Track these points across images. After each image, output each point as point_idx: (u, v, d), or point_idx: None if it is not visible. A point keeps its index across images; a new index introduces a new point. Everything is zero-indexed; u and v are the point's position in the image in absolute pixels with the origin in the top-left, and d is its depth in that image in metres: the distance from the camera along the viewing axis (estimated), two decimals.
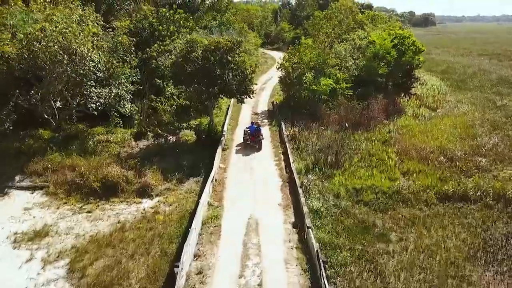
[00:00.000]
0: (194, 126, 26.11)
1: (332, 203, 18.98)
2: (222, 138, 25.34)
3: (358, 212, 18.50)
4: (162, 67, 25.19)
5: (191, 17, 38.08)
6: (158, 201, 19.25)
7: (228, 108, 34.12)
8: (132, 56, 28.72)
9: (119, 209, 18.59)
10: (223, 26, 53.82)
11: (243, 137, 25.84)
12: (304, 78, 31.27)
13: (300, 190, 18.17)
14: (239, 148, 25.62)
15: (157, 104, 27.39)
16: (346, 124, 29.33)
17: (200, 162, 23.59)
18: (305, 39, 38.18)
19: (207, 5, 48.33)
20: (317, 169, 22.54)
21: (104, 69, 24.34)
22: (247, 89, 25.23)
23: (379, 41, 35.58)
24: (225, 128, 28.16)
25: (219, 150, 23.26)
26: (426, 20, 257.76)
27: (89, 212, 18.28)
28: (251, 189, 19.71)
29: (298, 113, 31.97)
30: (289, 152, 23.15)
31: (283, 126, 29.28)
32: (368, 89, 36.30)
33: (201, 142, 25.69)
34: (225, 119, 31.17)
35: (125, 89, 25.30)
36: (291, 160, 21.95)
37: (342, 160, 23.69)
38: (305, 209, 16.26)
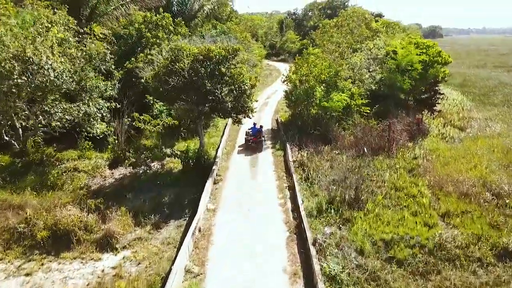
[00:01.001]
0: (180, 152, 21.33)
1: (355, 263, 14.10)
2: (214, 167, 20.67)
3: (390, 278, 13.61)
4: (143, 80, 20.72)
5: (182, 22, 33.84)
6: (123, 258, 14.48)
7: (225, 127, 29.52)
8: (109, 66, 24.42)
9: (69, 269, 13.85)
10: (224, 35, 49.74)
11: (245, 138, 26.12)
12: (314, 92, 26.66)
13: (312, 250, 13.34)
14: (233, 179, 20.85)
15: (139, 124, 22.84)
16: (365, 149, 24.59)
17: (185, 198, 18.94)
18: (313, 49, 33.63)
19: (205, 12, 44.10)
20: (332, 210, 17.74)
21: (71, 80, 19.92)
22: (245, 108, 20.65)
23: (403, 51, 30.89)
24: (219, 153, 23.51)
25: (208, 184, 18.59)
26: (433, 32, 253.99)
27: (28, 274, 13.57)
28: (247, 245, 14.70)
29: (306, 133, 27.31)
30: (296, 190, 18.33)
31: (289, 150, 24.59)
32: (387, 105, 31.61)
33: (188, 170, 21.04)
34: (221, 141, 26.56)
35: (96, 106, 20.82)
36: (299, 201, 17.12)
37: (363, 198, 18.87)
38: (321, 285, 11.38)
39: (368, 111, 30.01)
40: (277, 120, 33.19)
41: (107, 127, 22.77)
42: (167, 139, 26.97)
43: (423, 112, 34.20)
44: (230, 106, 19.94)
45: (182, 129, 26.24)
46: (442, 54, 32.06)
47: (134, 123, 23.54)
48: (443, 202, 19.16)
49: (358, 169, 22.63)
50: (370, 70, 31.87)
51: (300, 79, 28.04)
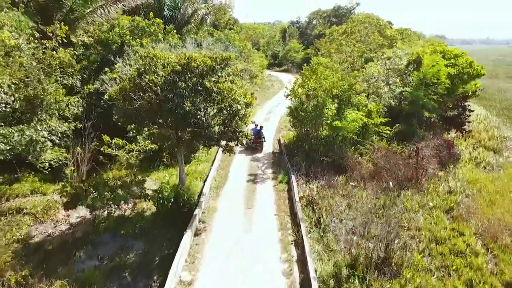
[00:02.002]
0: (153, 192, 16.45)
1: None
2: (196, 211, 15.76)
3: None
4: (106, 97, 16.00)
5: (174, 30, 29.38)
6: None
7: (217, 150, 24.69)
8: (75, 79, 19.88)
9: None
10: (221, 43, 45.29)
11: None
12: (325, 110, 21.90)
13: None
14: (221, 228, 15.85)
15: (108, 150, 18.06)
16: (391, 183, 19.70)
17: (156, 256, 14.06)
18: (322, 58, 28.98)
19: (200, 17, 39.70)
20: (355, 278, 12.80)
21: (12, 99, 15.23)
22: (238, 133, 15.83)
23: (429, 60, 26.14)
24: (205, 189, 18.64)
25: (185, 239, 13.67)
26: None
27: None
28: None
29: (315, 160, 22.47)
30: (306, 250, 13.37)
31: (295, 182, 19.71)
32: (409, 124, 26.78)
33: (165, 213, 16.17)
34: (210, 169, 21.70)
35: (46, 129, 16.10)
36: (311, 273, 12.14)
37: (396, 258, 13.93)
38: None
39: (388, 132, 25.19)
40: (279, 141, 28.34)
41: (65, 153, 18.05)
42: (146, 165, 22.23)
43: (449, 132, 29.39)
44: (218, 132, 15.11)
45: (164, 154, 21.44)
46: (473, 65, 27.27)
47: (102, 149, 18.77)
48: (506, 263, 14.21)
49: (384, 210, 17.79)
50: (389, 82, 27.11)
51: (307, 94, 23.26)
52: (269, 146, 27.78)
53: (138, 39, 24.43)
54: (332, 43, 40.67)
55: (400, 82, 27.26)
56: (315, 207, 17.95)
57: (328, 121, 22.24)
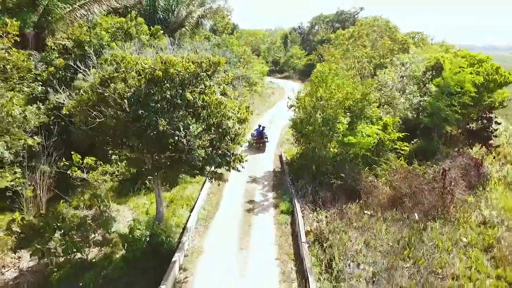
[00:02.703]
0: (121, 235, 13.14)
1: None
2: (175, 257, 12.42)
3: None
4: (64, 111, 12.81)
5: (161, 32, 26.33)
6: None
7: None
8: (37, 85, 16.78)
9: None
10: (218, 48, 42.26)
11: (249, 139, 25.88)
12: (336, 124, 18.71)
13: None
14: (207, 280, 12.48)
15: (77, 173, 14.77)
16: (417, 216, 16.38)
17: None
18: (330, 64, 25.86)
19: (195, 19, 36.67)
20: None
21: None
22: (229, 156, 12.56)
23: (452, 66, 22.94)
24: (191, 221, 15.31)
25: None
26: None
27: None
28: None
29: (323, 182, 19.18)
30: None
31: (300, 212, 16.42)
32: (429, 140, 23.49)
33: (137, 258, 12.84)
34: (199, 195, 18.36)
35: None
36: None
37: None
38: None
39: (407, 148, 21.92)
40: (281, 157, 25.05)
41: (21, 177, 14.88)
42: (126, 188, 18.96)
43: (472, 147, 26.05)
44: (203, 156, 11.83)
45: (143, 178, 18.16)
46: (500, 71, 24.04)
47: (70, 171, 15.48)
48: None
49: (409, 250, 14.48)
50: (406, 92, 23.86)
51: (315, 105, 20.04)
52: (269, 163, 24.44)
53: (119, 42, 21.32)
54: (338, 48, 37.55)
55: (417, 91, 23.98)
56: (324, 244, 14.67)
57: (340, 137, 18.95)
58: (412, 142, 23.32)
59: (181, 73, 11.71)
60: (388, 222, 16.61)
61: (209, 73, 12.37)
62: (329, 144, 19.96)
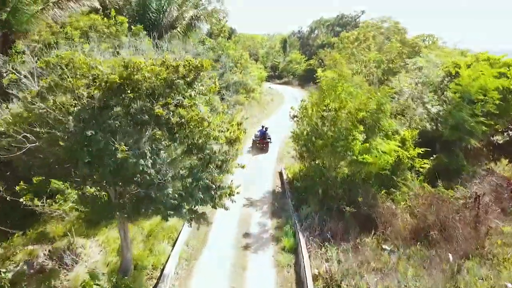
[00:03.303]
0: None
1: None
2: None
3: None
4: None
5: (144, 32, 23.48)
6: None
7: None
8: None
9: None
10: (213, 52, 39.42)
11: (253, 139, 26.81)
12: (350, 139, 15.76)
13: None
14: None
15: (31, 201, 11.66)
16: (451, 257, 13.34)
17: None
18: (341, 69, 23.04)
19: (186, 21, 33.83)
20: None
21: None
22: (214, 190, 9.52)
23: (470, 71, 20.14)
24: (170, 264, 12.22)
25: None
26: None
27: None
28: None
29: (333, 208, 16.16)
30: None
31: (305, 250, 13.37)
32: (451, 154, 20.51)
33: None
34: (182, 228, 15.21)
35: None
36: None
37: None
38: None
39: (427, 166, 18.96)
40: (281, 174, 22.01)
41: None
42: (97, 215, 15.83)
43: (497, 162, 23.10)
44: (179, 192, 8.80)
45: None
46: None
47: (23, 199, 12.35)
48: None
49: None
50: (425, 100, 20.91)
51: (322, 116, 17.09)
52: (268, 181, 21.39)
53: (93, 43, 18.38)
54: (342, 52, 34.71)
55: (436, 100, 21.02)
56: None
57: (355, 155, 15.96)
58: (432, 158, 20.33)
59: (150, 80, 8.71)
60: (413, 261, 13.60)
61: (188, 79, 9.36)
62: (340, 163, 16.91)
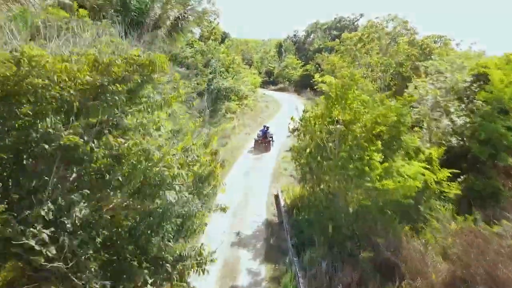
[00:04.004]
0: None
1: None
2: None
3: None
4: None
5: (126, 32, 20.01)
6: None
7: None
8: None
9: None
10: (202, 55, 35.98)
11: (255, 139, 27.50)
12: (366, 160, 12.32)
13: None
14: None
15: None
16: None
17: None
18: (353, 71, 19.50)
19: (170, 21, 30.37)
20: None
21: None
22: (170, 264, 5.84)
23: (501, 74, 16.86)
24: None
25: None
26: None
27: None
28: None
29: (344, 250, 12.60)
30: None
31: None
32: (482, 174, 17.07)
33: None
34: None
35: None
36: None
37: None
38: None
39: (457, 191, 15.45)
40: (277, 198, 18.39)
41: None
42: None
43: None
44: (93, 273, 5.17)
45: None
46: None
47: None
48: None
49: None
50: (451, 110, 17.50)
51: (330, 131, 13.63)
52: (262, 205, 17.78)
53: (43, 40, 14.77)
54: (344, 55, 31.40)
55: (463, 110, 17.62)
56: None
57: (373, 182, 12.46)
58: (459, 179, 16.82)
59: (61, 86, 5.11)
60: None
61: (131, 85, 5.77)
62: (354, 190, 13.38)
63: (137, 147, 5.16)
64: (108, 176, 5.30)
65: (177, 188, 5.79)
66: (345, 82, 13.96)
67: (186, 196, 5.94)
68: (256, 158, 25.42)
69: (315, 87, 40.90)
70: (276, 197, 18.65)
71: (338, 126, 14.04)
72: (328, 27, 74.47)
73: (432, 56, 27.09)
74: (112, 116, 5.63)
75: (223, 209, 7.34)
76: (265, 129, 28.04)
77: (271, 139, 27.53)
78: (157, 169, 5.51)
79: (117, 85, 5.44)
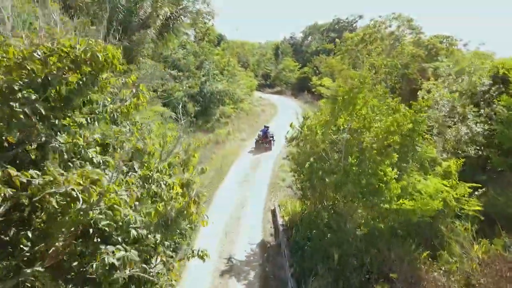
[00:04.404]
0: None
1: None
2: None
3: None
4: None
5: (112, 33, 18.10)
6: None
7: None
8: None
9: None
10: (195, 57, 34.17)
11: (256, 139, 28.17)
12: (380, 175, 10.47)
13: None
14: None
15: None
16: None
17: None
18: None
19: (161, 20, 28.55)
20: None
21: None
22: None
23: None
24: None
25: None
26: None
27: None
28: None
29: (353, 280, 10.74)
30: None
31: None
32: (503, 188, 15.28)
33: None
34: None
35: None
36: None
37: None
38: None
39: (478, 207, 13.65)
40: (274, 214, 16.52)
41: None
42: None
43: None
44: None
45: None
46: None
47: None
48: None
49: None
50: (469, 116, 15.72)
51: (335, 141, 11.84)
52: (256, 225, 15.90)
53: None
54: (345, 57, 29.64)
55: (481, 116, 15.86)
56: None
57: (389, 201, 10.65)
58: (477, 193, 15.02)
59: None
60: None
61: (54, 90, 3.88)
62: (364, 210, 11.56)
63: (53, 187, 3.32)
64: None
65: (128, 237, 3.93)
66: (354, 85, 12.14)
67: (140, 253, 4.09)
68: (252, 167, 23.55)
69: (313, 90, 39.05)
70: (273, 212, 16.77)
71: (344, 135, 12.24)
72: (326, 29, 72.90)
73: (438, 57, 25.38)
74: (31, 134, 3.79)
75: (201, 257, 5.47)
76: (266, 129, 28.54)
77: (271, 138, 27.95)
78: (93, 214, 3.67)
79: (31, 90, 3.61)
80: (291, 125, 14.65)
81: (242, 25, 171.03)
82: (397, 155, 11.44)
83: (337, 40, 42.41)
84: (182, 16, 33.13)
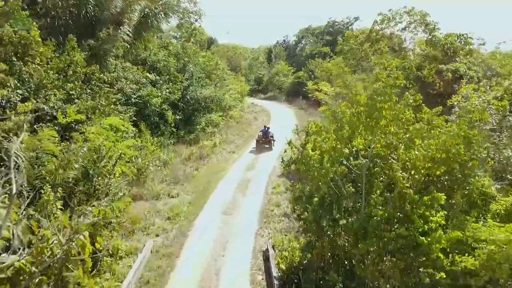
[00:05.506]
0: None
1: None
2: None
3: None
4: None
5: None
6: None
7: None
8: None
9: None
10: (178, 58, 30.33)
11: (256, 139, 28.05)
12: (419, 223, 6.73)
13: None
14: None
15: None
16: None
17: None
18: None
19: (136, 17, 24.73)
20: None
21: None
22: None
23: None
24: None
25: None
26: None
27: None
28: None
29: None
30: None
31: None
32: None
33: None
34: None
35: None
36: None
37: None
38: None
39: None
40: (267, 260, 12.61)
41: None
42: None
43: None
44: None
45: None
46: None
47: None
48: None
49: None
50: None
51: (349, 167, 8.10)
52: (243, 278, 12.01)
53: None
54: (347, 58, 26.08)
55: None
56: None
57: (432, 258, 6.92)
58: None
59: None
60: None
61: None
62: (397, 274, 7.79)
63: None
64: None
65: None
66: (379, 90, 8.42)
67: None
68: (240, 188, 19.65)
69: (309, 95, 35.00)
70: (265, 256, 12.88)
71: (364, 161, 8.50)
72: (321, 31, 69.58)
73: (456, 58, 21.88)
74: None
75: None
76: (266, 129, 28.39)
77: (272, 138, 27.79)
78: None
79: None
80: (289, 144, 10.88)
81: (235, 30, 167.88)
82: (443, 194, 7.76)
83: (339, 39, 38.74)
84: (162, 13, 29.41)
